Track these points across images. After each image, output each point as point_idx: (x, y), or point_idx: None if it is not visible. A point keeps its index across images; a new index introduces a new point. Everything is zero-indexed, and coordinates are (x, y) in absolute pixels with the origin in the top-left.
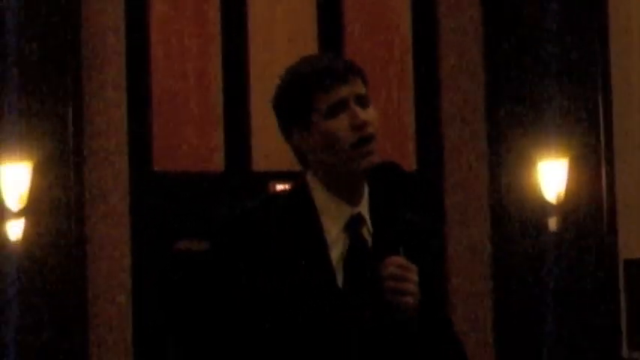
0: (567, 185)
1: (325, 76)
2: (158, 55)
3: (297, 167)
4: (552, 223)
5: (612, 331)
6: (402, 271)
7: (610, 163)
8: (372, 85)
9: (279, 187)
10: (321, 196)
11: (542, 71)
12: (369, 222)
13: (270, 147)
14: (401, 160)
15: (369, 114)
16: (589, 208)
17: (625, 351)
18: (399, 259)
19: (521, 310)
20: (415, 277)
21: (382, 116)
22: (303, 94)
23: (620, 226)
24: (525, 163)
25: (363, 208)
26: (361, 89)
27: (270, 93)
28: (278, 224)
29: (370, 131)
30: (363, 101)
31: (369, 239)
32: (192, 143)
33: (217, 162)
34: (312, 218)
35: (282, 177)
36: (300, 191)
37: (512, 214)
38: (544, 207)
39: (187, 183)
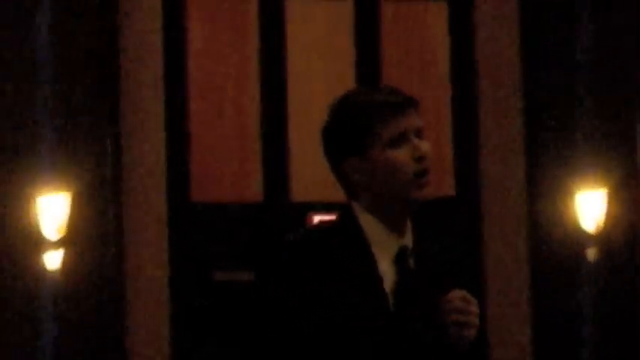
0: (605, 216)
1: (389, 107)
2: (196, 85)
3: (335, 198)
4: (590, 254)
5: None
6: (466, 304)
7: None
8: None
9: (318, 218)
10: (370, 227)
11: (579, 101)
12: (413, 254)
13: (308, 177)
14: (439, 190)
15: (428, 146)
16: (627, 239)
17: None
18: (462, 293)
19: (559, 341)
20: (477, 310)
21: None
22: (366, 123)
23: None
24: (563, 193)
25: (408, 240)
26: (419, 122)
27: (309, 123)
28: (331, 254)
29: (428, 164)
30: (420, 134)
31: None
32: (230, 174)
33: (256, 193)
34: (364, 249)
35: (320, 208)
36: (349, 222)
37: (550, 244)
38: (582, 238)
39: (225, 214)
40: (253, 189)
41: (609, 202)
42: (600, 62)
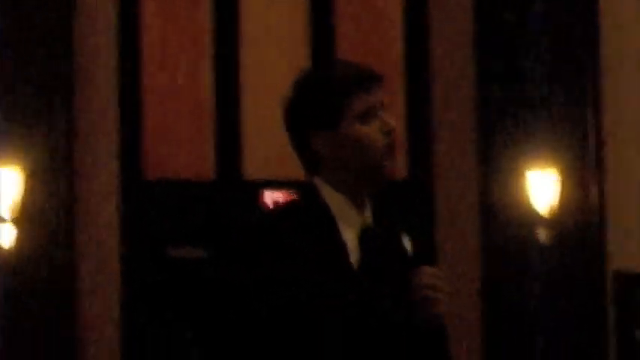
0: (557, 196)
1: (360, 81)
2: (149, 64)
3: (287, 175)
4: (542, 234)
5: (601, 344)
6: (435, 280)
7: (600, 174)
8: None
9: (270, 195)
10: (335, 202)
11: (532, 83)
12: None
13: (261, 155)
14: (391, 172)
15: (394, 120)
16: (579, 220)
17: None
18: (433, 269)
19: (509, 320)
20: (446, 287)
21: None
22: (337, 97)
23: (609, 237)
24: (515, 173)
25: (368, 216)
26: (383, 97)
27: (262, 101)
28: (297, 230)
29: (394, 137)
30: (384, 108)
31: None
32: (183, 151)
33: (208, 170)
34: (330, 224)
35: (272, 185)
36: (313, 198)
37: (502, 224)
38: (533, 218)
39: (178, 191)
40: (206, 166)
41: (560, 183)
42: (552, 42)
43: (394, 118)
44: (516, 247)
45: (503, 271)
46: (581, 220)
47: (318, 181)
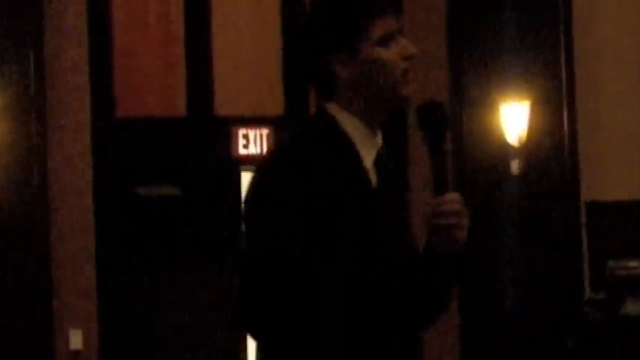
0: (529, 128)
1: (382, 5)
2: (119, 2)
3: (258, 112)
4: (514, 166)
5: (575, 273)
6: (460, 206)
7: (572, 106)
8: None
9: (242, 131)
10: (352, 127)
11: (503, 15)
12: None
13: (232, 92)
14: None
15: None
16: (551, 151)
17: (588, 292)
18: (456, 195)
19: (482, 251)
20: (466, 211)
21: None
22: (358, 19)
23: (582, 168)
24: (487, 105)
25: (380, 142)
26: (402, 23)
27: (233, 37)
28: (322, 160)
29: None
30: (402, 34)
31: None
32: (153, 89)
33: (179, 107)
34: (350, 151)
35: (243, 121)
36: (330, 124)
37: (475, 156)
38: (506, 149)
39: (149, 129)
40: (177, 103)
41: (532, 115)
42: None
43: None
44: (489, 178)
45: (476, 203)
46: (554, 151)
47: (332, 107)
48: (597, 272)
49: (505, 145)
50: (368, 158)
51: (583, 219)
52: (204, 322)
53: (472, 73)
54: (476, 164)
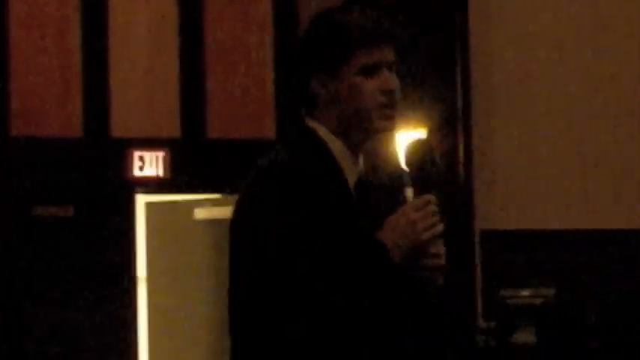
0: None
1: (371, 35)
2: (17, 21)
3: (154, 134)
4: (409, 193)
5: (468, 302)
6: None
7: (467, 135)
8: (232, 50)
9: (138, 153)
10: (335, 147)
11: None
12: (368, 179)
13: (128, 113)
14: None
15: (397, 82)
16: (446, 180)
17: (481, 322)
18: (416, 202)
19: None
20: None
21: (243, 83)
22: (344, 44)
23: (476, 197)
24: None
25: (360, 165)
26: (393, 57)
27: (130, 58)
28: (312, 177)
29: (396, 99)
30: (392, 69)
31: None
32: (50, 109)
33: (76, 128)
34: (337, 171)
35: (139, 143)
36: (316, 143)
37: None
38: (401, 176)
39: (45, 149)
40: (73, 124)
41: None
42: (421, 2)
43: (397, 81)
44: (385, 205)
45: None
46: (449, 179)
47: (313, 124)
48: (490, 301)
49: (400, 172)
50: (350, 178)
51: (477, 248)
52: (95, 343)
53: None
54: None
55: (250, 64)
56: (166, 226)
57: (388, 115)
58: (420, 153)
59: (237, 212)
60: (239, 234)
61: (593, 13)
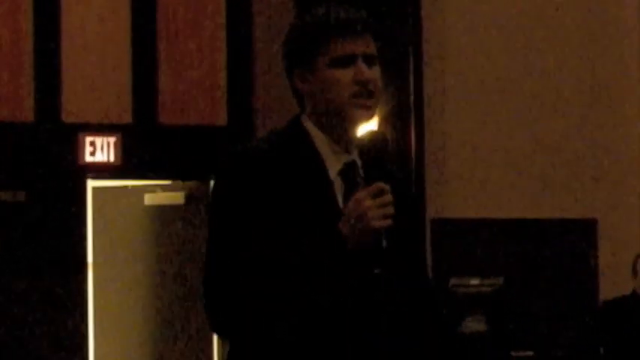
0: None
1: (341, 27)
2: None
3: (105, 119)
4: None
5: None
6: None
7: (419, 123)
8: (184, 35)
9: (89, 138)
10: (318, 139)
11: None
12: (360, 170)
13: (80, 98)
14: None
15: (374, 73)
16: (397, 167)
17: None
18: (377, 185)
19: None
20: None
21: (195, 70)
22: (314, 39)
23: (427, 185)
24: None
25: (355, 157)
26: (371, 49)
27: (82, 42)
28: (284, 161)
29: (371, 88)
30: (370, 60)
31: (362, 184)
32: (1, 93)
33: (27, 112)
34: (314, 156)
35: (91, 128)
36: (298, 131)
37: None
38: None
39: None
40: (25, 108)
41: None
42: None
43: (377, 71)
44: None
45: None
46: (401, 167)
47: (303, 118)
48: (439, 289)
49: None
50: (333, 168)
51: (428, 236)
52: (44, 330)
53: None
54: None
55: (203, 49)
56: (116, 212)
57: (363, 104)
58: (372, 143)
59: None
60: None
61: (547, 12)
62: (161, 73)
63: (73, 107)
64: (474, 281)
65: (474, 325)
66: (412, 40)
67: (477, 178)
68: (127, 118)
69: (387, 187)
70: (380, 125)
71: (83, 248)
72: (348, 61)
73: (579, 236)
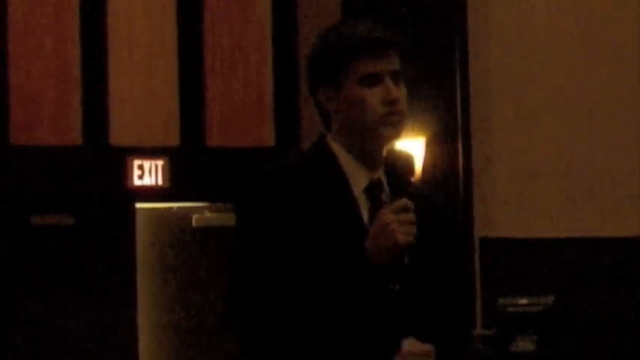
0: (424, 164)
1: (368, 45)
2: (15, 29)
3: (153, 142)
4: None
5: (468, 309)
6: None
7: (466, 143)
8: (231, 58)
9: (137, 162)
10: (343, 157)
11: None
12: (386, 188)
13: (127, 121)
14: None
15: (401, 91)
16: (445, 187)
17: (479, 329)
18: (401, 202)
19: None
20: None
21: (242, 92)
22: (341, 57)
23: (475, 204)
24: None
25: (381, 175)
26: (397, 66)
27: (129, 66)
28: (308, 179)
29: (400, 107)
30: (396, 77)
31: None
32: (49, 117)
33: (75, 136)
34: (340, 177)
35: (139, 152)
36: (323, 150)
37: None
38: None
39: (44, 157)
40: (73, 132)
41: (428, 151)
42: (423, 17)
43: (403, 88)
44: None
45: None
46: (449, 187)
47: (328, 137)
48: (489, 308)
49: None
50: (358, 186)
51: (477, 256)
52: (95, 353)
53: None
54: None
55: (250, 71)
56: (164, 234)
57: (391, 123)
58: (398, 161)
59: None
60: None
61: (590, 14)
62: (208, 95)
63: (120, 130)
64: (523, 301)
65: (523, 344)
66: (460, 62)
67: (526, 197)
68: (175, 140)
69: (410, 204)
70: (428, 145)
71: (131, 271)
72: (375, 79)
73: (628, 254)
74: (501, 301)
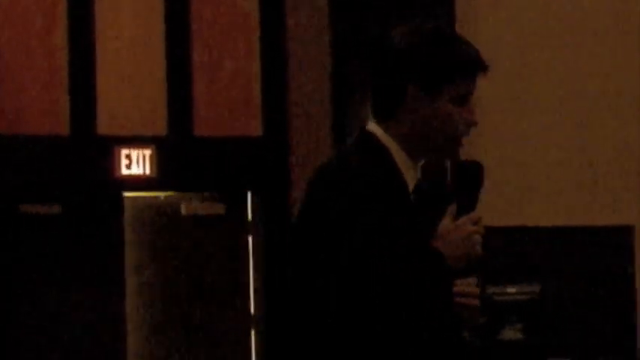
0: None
1: (472, 67)
2: (1, 20)
3: (140, 132)
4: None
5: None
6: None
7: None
8: (219, 48)
9: (125, 151)
10: (396, 152)
11: None
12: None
13: (115, 111)
14: (247, 127)
15: None
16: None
17: None
18: (477, 215)
19: None
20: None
21: (229, 81)
22: (448, 71)
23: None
24: None
25: (418, 174)
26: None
27: (116, 56)
28: (378, 177)
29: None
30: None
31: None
32: (37, 107)
33: (62, 126)
34: (398, 173)
35: (126, 141)
36: (377, 149)
37: None
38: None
39: (32, 146)
40: (60, 122)
41: None
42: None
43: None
44: None
45: None
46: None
47: (374, 127)
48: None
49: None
50: (410, 184)
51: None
52: (84, 342)
53: (355, 106)
54: None
55: (237, 61)
56: (152, 223)
57: (462, 142)
58: (469, 171)
59: (308, 215)
60: (313, 234)
61: (585, 13)
62: (195, 85)
63: (108, 120)
64: (511, 289)
65: (512, 332)
66: None
67: (513, 186)
68: (163, 130)
69: (481, 217)
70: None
71: (119, 260)
72: (464, 99)
73: (616, 244)
74: (489, 289)
